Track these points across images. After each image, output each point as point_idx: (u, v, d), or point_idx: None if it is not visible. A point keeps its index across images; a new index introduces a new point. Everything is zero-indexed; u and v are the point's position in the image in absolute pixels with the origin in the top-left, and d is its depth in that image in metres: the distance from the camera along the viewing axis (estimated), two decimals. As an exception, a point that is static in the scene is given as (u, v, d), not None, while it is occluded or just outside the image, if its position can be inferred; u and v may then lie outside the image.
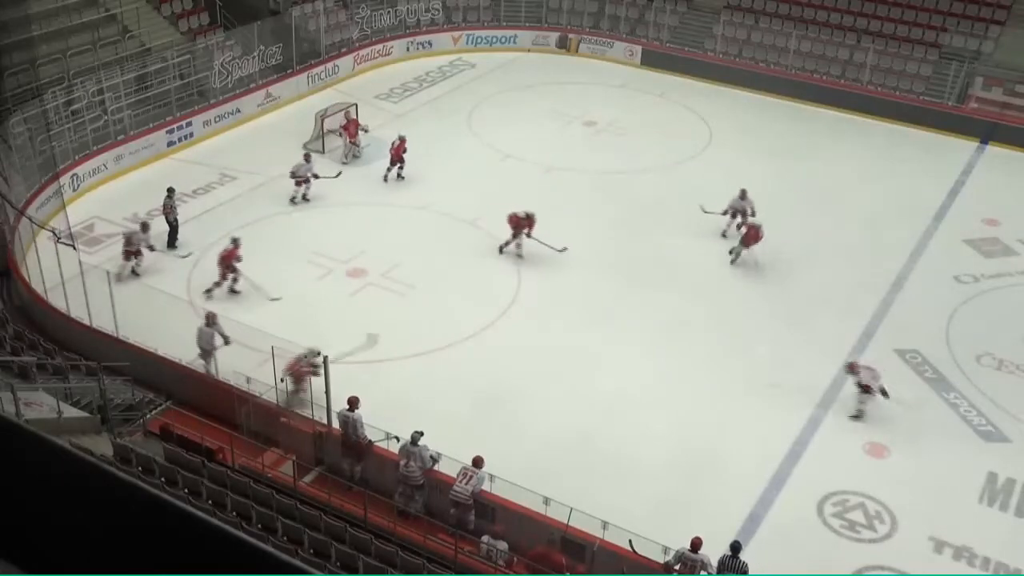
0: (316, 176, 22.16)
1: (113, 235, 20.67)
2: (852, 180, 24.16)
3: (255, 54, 26.92)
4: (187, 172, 23.51)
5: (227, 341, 15.67)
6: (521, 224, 19.94)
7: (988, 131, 26.87)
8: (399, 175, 23.12)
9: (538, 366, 16.99)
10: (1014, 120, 26.97)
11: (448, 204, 22.20)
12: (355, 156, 24.22)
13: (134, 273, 18.93)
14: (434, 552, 12.56)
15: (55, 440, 1.93)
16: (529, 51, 32.38)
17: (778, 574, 12.25)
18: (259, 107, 26.91)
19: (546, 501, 12.84)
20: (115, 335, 16.27)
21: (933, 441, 15.73)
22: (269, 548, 1.73)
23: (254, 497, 12.74)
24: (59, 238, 16.57)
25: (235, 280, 18.41)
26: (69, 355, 16.07)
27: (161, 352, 16.02)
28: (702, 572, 11.96)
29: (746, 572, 11.94)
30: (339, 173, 23.13)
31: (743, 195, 20.84)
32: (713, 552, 12.06)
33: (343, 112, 24.95)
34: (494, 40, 32.42)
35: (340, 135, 24.57)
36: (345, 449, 14.22)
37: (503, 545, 12.64)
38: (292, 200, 22.13)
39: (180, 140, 24.78)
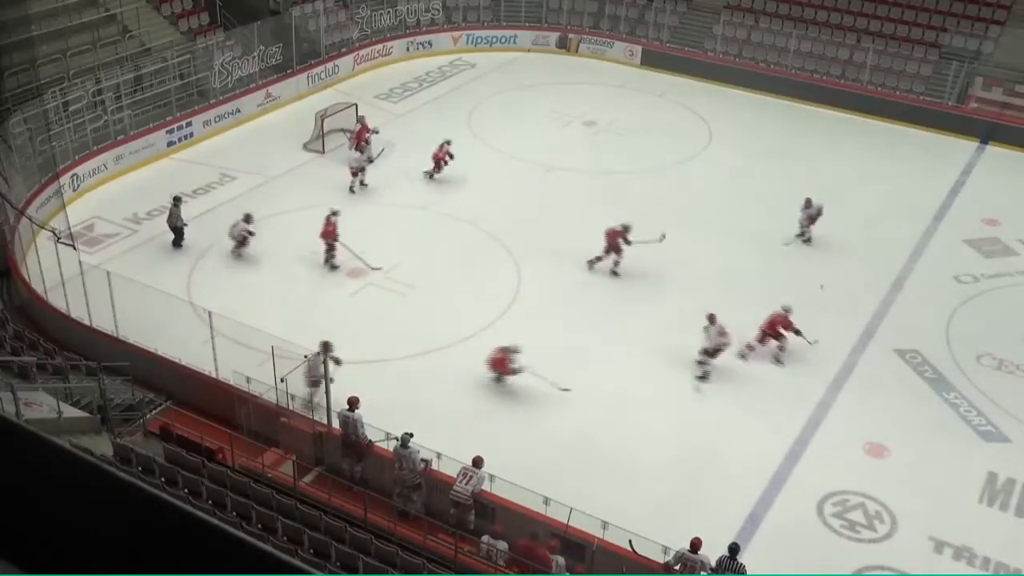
0: (371, 160, 23.04)
1: (113, 235, 20.71)
2: (852, 180, 24.16)
3: (255, 54, 26.93)
4: (187, 172, 23.52)
5: (338, 362, 15.07)
6: (617, 236, 19.36)
7: (988, 131, 26.88)
8: (431, 175, 23.22)
9: (538, 366, 16.96)
10: (1014, 120, 26.98)
11: (448, 204, 22.22)
12: (368, 161, 23.50)
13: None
14: (434, 552, 12.57)
15: (55, 440, 1.93)
16: (529, 51, 32.39)
17: (778, 574, 12.25)
18: (259, 107, 26.92)
19: (546, 501, 12.84)
20: (115, 335, 16.28)
21: (933, 441, 15.74)
22: (269, 548, 1.72)
23: (254, 497, 12.74)
24: (59, 238, 16.57)
25: (333, 254, 19.44)
26: (69, 355, 16.07)
27: (161, 352, 16.03)
28: (702, 573, 11.96)
29: (743, 574, 11.93)
30: (383, 150, 23.78)
31: (808, 204, 20.90)
32: (712, 553, 12.05)
33: (359, 120, 24.55)
34: (494, 40, 32.43)
35: (350, 146, 24.02)
36: (345, 449, 14.23)
37: (503, 545, 12.63)
38: (351, 189, 22.59)
39: (180, 140, 24.78)
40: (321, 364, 14.89)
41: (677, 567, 11.98)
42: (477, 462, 13.30)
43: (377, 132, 24.31)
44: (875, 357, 17.61)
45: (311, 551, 11.71)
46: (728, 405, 16.26)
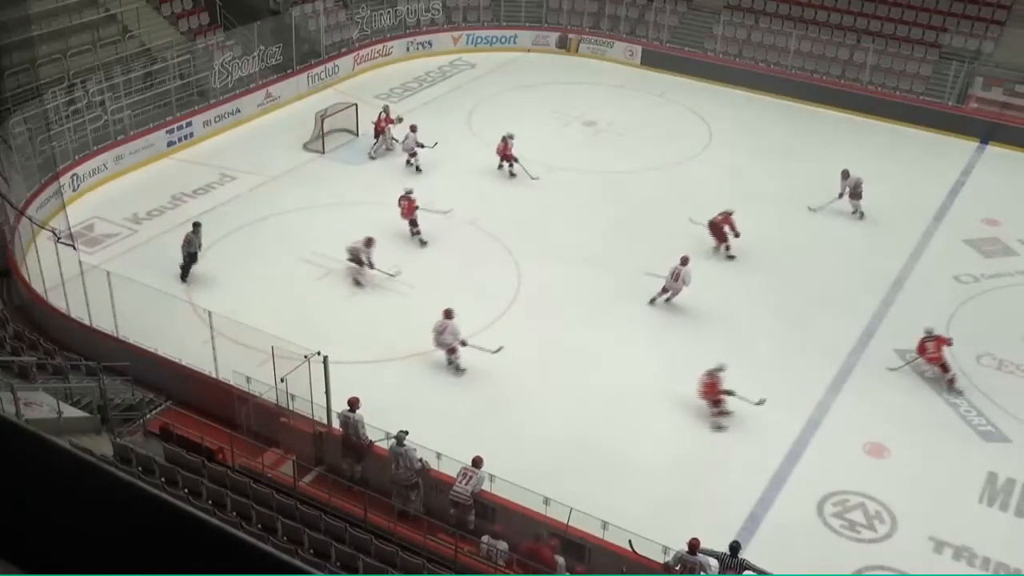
0: (421, 146, 23.55)
1: (113, 235, 20.70)
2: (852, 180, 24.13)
3: (255, 54, 26.92)
4: (187, 172, 23.52)
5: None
6: (722, 224, 20.32)
7: (988, 131, 26.87)
8: (511, 172, 23.70)
9: (538, 366, 16.99)
10: (1014, 120, 26.97)
11: (448, 204, 22.18)
12: (388, 149, 24.61)
13: (357, 283, 19.19)
14: (434, 552, 12.57)
15: (55, 440, 1.93)
16: (529, 51, 32.39)
17: (778, 574, 12.25)
18: (259, 107, 26.91)
19: (546, 501, 12.84)
20: (115, 335, 16.27)
21: (933, 441, 15.74)
22: (269, 548, 1.73)
23: (254, 497, 12.74)
24: (59, 238, 16.56)
25: (417, 229, 20.59)
26: (69, 355, 16.07)
27: (161, 352, 16.03)
28: (701, 573, 11.95)
29: (744, 571, 11.94)
30: (436, 143, 24.09)
31: (846, 175, 22.00)
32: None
33: (381, 109, 25.19)
34: (494, 40, 32.42)
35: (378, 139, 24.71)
36: (346, 449, 14.23)
37: (503, 545, 12.63)
38: (417, 169, 23.64)
39: (180, 140, 24.78)
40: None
41: (677, 567, 11.98)
42: (477, 462, 13.30)
43: (401, 120, 24.72)
44: (875, 357, 17.60)
45: (311, 551, 11.71)
46: (728, 405, 16.23)
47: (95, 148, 22.85)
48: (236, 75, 26.41)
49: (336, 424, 14.43)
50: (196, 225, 19.21)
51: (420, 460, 13.49)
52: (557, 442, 15.13)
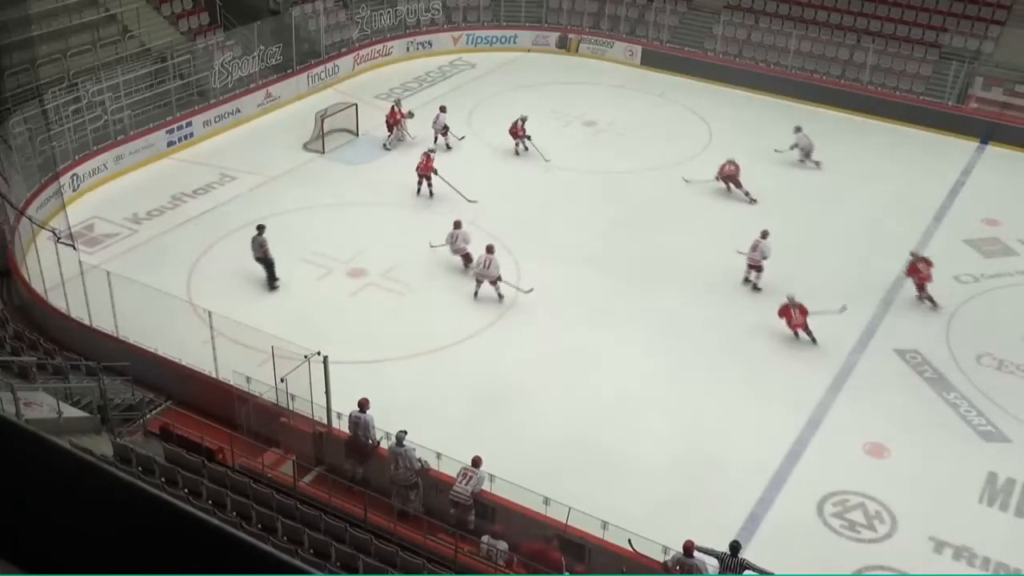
0: (447, 128, 24.51)
1: (113, 235, 20.70)
2: (852, 180, 24.15)
3: (255, 54, 26.92)
4: (187, 172, 23.52)
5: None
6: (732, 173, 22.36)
7: (988, 131, 26.86)
8: (524, 148, 24.73)
9: (538, 366, 16.99)
10: (1014, 120, 26.97)
11: (448, 204, 22.16)
12: (399, 140, 25.09)
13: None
14: (434, 552, 12.57)
15: (55, 440, 1.93)
16: (529, 51, 32.38)
17: (778, 574, 12.25)
18: (259, 107, 26.91)
19: (546, 501, 12.84)
20: (115, 335, 16.27)
21: (933, 441, 15.73)
22: (269, 548, 1.73)
23: (254, 497, 12.74)
24: (59, 238, 16.57)
25: (430, 185, 22.03)
26: (69, 355, 16.07)
27: (161, 352, 16.03)
28: (700, 574, 11.95)
29: (744, 571, 11.93)
30: (463, 137, 25.13)
31: (798, 129, 23.99)
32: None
33: (392, 103, 25.68)
34: (494, 40, 32.42)
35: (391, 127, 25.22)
36: (350, 450, 14.20)
37: (503, 545, 12.63)
38: (459, 137, 25.03)
39: (180, 140, 24.78)
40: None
41: (676, 568, 11.97)
42: (476, 462, 13.30)
43: (412, 115, 25.15)
44: (875, 357, 17.60)
45: (311, 551, 11.72)
46: (728, 405, 16.25)
47: (95, 148, 22.85)
48: (236, 75, 26.41)
49: (336, 424, 14.43)
50: (260, 227, 18.77)
51: (420, 460, 13.49)
52: (557, 442, 15.12)
